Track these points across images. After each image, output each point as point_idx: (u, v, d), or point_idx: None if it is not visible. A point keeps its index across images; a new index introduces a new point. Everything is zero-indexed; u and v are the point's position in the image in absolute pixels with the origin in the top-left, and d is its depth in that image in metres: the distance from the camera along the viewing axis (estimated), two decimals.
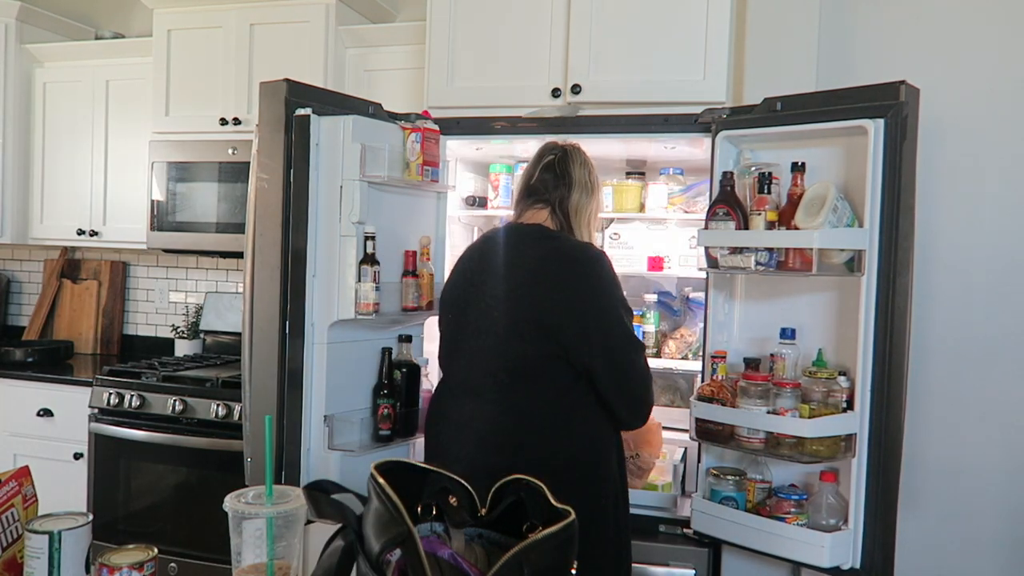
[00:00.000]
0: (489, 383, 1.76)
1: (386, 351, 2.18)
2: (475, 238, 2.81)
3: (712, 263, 2.01)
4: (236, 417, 2.73)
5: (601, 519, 1.74)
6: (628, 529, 1.85)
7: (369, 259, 2.02)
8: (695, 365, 2.36)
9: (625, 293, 2.60)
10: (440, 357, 1.95)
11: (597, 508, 1.74)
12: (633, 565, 2.06)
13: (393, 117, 2.21)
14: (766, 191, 1.91)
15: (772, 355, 1.99)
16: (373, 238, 2.03)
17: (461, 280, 1.90)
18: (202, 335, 3.59)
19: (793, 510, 1.89)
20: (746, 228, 1.92)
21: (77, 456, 3.06)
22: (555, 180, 1.85)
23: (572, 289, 1.72)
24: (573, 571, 0.81)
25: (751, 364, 1.98)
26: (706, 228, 1.98)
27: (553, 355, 1.71)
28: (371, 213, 2.05)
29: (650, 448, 2.17)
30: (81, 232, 3.45)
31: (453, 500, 0.88)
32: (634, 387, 1.76)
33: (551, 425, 1.73)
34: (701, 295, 2.34)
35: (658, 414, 2.51)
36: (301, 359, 2.01)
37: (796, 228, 1.85)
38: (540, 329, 1.70)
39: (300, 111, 1.98)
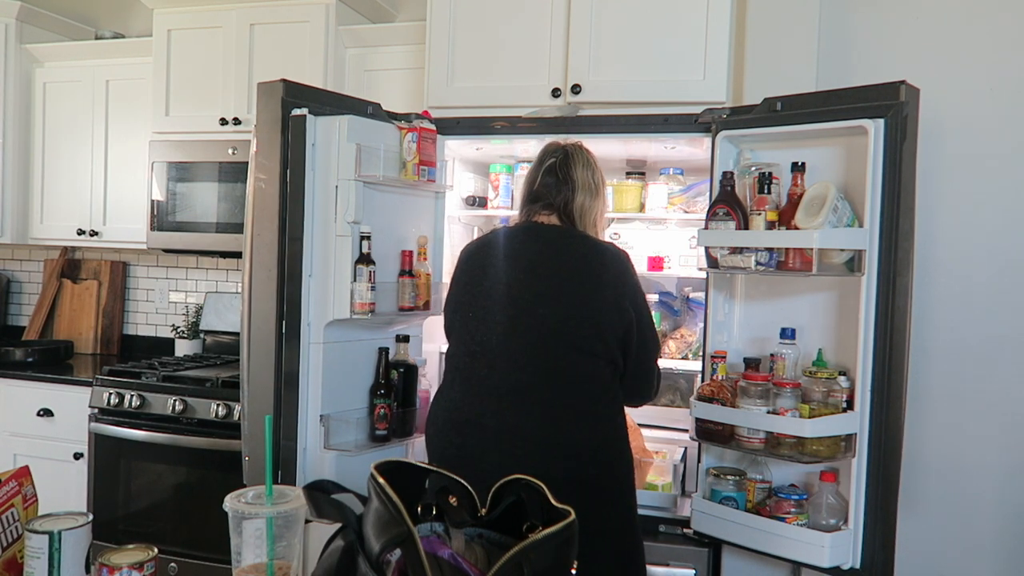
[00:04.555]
0: (536, 384, 1.72)
1: (383, 351, 2.18)
2: (475, 238, 2.80)
3: (712, 263, 2.01)
4: (236, 417, 2.73)
5: (634, 512, 1.81)
6: None
7: (365, 259, 2.02)
8: (695, 365, 2.36)
9: None
10: (454, 357, 1.84)
11: (633, 503, 1.81)
12: None
13: (392, 117, 2.21)
14: (766, 191, 1.91)
15: (772, 355, 1.99)
16: (369, 238, 2.03)
17: (482, 277, 1.82)
18: (202, 335, 3.59)
19: (793, 510, 1.89)
20: (746, 228, 1.92)
21: (77, 456, 3.06)
22: (557, 184, 1.84)
23: (623, 296, 1.77)
24: (573, 571, 0.81)
25: (751, 364, 1.98)
26: (706, 228, 1.98)
27: (601, 354, 1.73)
28: (367, 213, 2.06)
29: (636, 442, 2.19)
30: (81, 232, 3.45)
31: (453, 500, 0.88)
32: (652, 379, 1.90)
33: (599, 423, 1.74)
34: (701, 295, 2.34)
35: (658, 414, 2.52)
36: (297, 359, 2.01)
37: (796, 228, 1.85)
38: (592, 327, 1.72)
39: (296, 111, 1.98)
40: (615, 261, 1.79)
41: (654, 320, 1.89)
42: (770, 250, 1.89)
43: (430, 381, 2.35)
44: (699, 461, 2.10)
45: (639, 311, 1.79)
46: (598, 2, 2.31)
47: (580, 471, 1.69)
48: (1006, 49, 2.29)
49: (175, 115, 3.19)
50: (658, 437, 2.42)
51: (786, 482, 1.99)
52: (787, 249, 1.87)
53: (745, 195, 1.97)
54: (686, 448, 2.35)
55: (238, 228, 2.98)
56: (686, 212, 2.47)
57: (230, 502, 1.01)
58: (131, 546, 1.10)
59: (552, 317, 1.72)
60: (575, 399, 1.72)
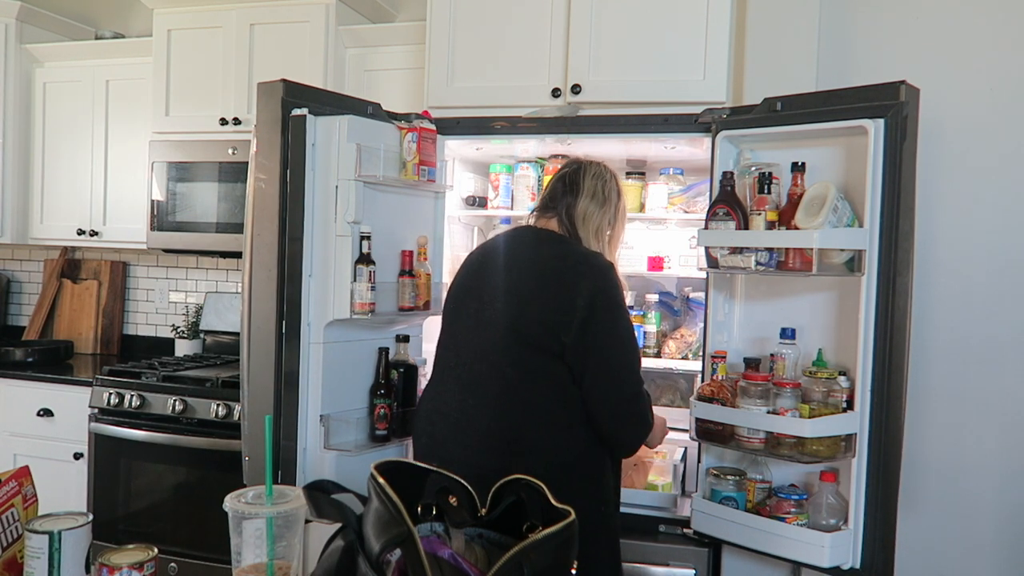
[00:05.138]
0: (492, 377, 1.74)
1: (383, 351, 2.17)
2: (475, 238, 2.82)
3: (712, 263, 2.01)
4: (236, 417, 2.73)
5: (597, 522, 1.73)
6: (619, 533, 1.85)
7: (364, 259, 2.02)
8: (695, 365, 2.36)
9: (626, 293, 2.62)
10: (437, 350, 1.92)
11: (595, 512, 1.73)
12: (633, 565, 2.06)
13: (392, 117, 2.21)
14: (766, 191, 1.91)
15: (772, 355, 1.99)
16: (368, 238, 2.03)
17: (465, 275, 1.89)
18: (202, 335, 3.59)
19: (793, 510, 1.89)
20: (746, 228, 1.92)
21: (77, 456, 3.06)
22: (564, 190, 1.88)
23: (578, 294, 1.70)
24: (573, 571, 0.81)
25: (751, 364, 1.98)
26: (706, 228, 1.98)
27: (555, 354, 1.71)
28: (367, 213, 2.06)
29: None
30: (81, 232, 3.45)
31: (453, 500, 0.88)
32: (621, 409, 1.74)
33: (554, 423, 1.71)
34: (701, 295, 2.34)
35: (658, 414, 2.51)
36: (297, 359, 2.01)
37: (796, 228, 1.85)
38: (543, 327, 1.70)
39: (296, 111, 1.98)
40: (582, 263, 1.76)
41: (633, 341, 1.76)
42: (770, 250, 1.89)
43: None
44: (699, 461, 2.10)
45: (596, 313, 1.69)
46: (598, 2, 2.31)
47: (523, 465, 1.60)
48: (1006, 49, 2.29)
49: (175, 115, 3.19)
50: None
51: (786, 482, 1.99)
52: (787, 249, 1.87)
53: (745, 195, 1.97)
54: (686, 448, 2.35)
55: (238, 228, 2.98)
56: (686, 212, 2.47)
57: (230, 502, 1.01)
58: (131, 546, 1.10)
59: (507, 312, 1.75)
60: (524, 394, 1.72)
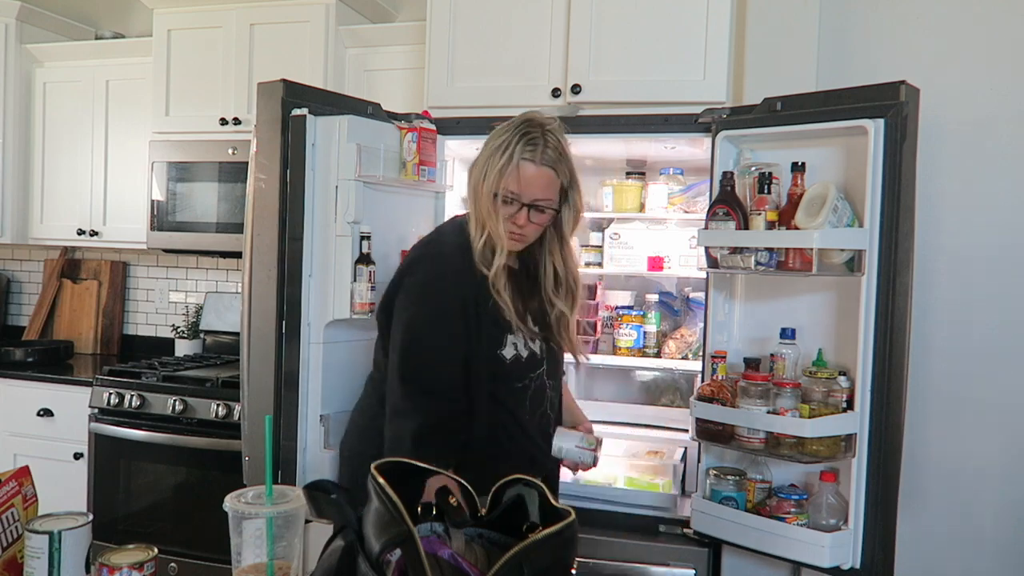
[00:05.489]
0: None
1: None
2: None
3: (712, 263, 2.01)
4: (236, 417, 2.73)
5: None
6: None
7: (364, 259, 2.02)
8: (695, 365, 2.36)
9: (626, 293, 2.62)
10: None
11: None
12: (633, 565, 2.07)
13: (392, 117, 2.21)
14: (766, 191, 1.91)
15: (772, 355, 1.99)
16: (368, 238, 2.03)
17: None
18: (202, 335, 3.59)
19: (793, 510, 1.89)
20: (746, 228, 1.92)
21: (77, 456, 3.06)
22: None
23: (393, 285, 1.74)
24: (573, 571, 0.81)
25: (751, 364, 1.98)
26: (706, 228, 1.98)
27: (384, 348, 1.78)
28: (367, 213, 2.06)
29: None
30: (81, 232, 3.45)
31: (453, 500, 0.88)
32: (394, 394, 1.66)
33: (369, 415, 1.80)
34: (701, 295, 2.34)
35: (658, 414, 2.51)
36: (297, 359, 2.01)
37: (796, 228, 1.85)
38: (379, 322, 1.81)
39: (296, 111, 1.98)
40: (407, 261, 1.77)
41: (412, 345, 1.65)
42: (770, 250, 1.89)
43: None
44: (699, 461, 2.10)
45: (392, 306, 1.70)
46: (598, 2, 2.31)
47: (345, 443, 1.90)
48: (1006, 49, 2.29)
49: (175, 115, 3.19)
50: (658, 437, 2.42)
51: (786, 482, 1.99)
52: (787, 249, 1.87)
53: (745, 195, 1.97)
54: (686, 448, 2.35)
55: (238, 228, 2.97)
56: (686, 212, 2.47)
57: (230, 502, 1.01)
58: (131, 546, 1.10)
59: None
60: (369, 383, 1.87)
